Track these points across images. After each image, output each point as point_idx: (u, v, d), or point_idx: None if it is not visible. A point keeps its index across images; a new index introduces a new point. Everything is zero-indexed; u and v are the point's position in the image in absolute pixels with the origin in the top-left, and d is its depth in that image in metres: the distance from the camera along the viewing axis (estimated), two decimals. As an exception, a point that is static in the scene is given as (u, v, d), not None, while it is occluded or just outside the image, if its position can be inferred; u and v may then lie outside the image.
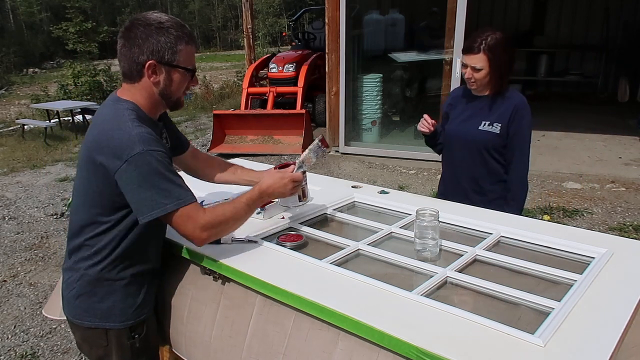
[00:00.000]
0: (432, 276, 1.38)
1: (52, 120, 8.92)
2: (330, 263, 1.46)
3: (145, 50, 1.37)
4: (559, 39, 9.43)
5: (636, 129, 6.82)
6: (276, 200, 1.80)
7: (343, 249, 1.57)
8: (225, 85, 12.54)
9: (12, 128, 9.35)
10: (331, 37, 6.26)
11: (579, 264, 1.46)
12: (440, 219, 1.54)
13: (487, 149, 2.15)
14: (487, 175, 2.19)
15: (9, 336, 2.99)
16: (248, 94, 7.83)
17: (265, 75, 8.41)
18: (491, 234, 1.66)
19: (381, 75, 6.64)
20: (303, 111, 6.90)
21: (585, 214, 4.40)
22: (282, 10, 28.20)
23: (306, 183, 1.79)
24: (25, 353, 2.82)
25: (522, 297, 1.27)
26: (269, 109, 7.34)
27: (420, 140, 2.49)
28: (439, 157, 2.46)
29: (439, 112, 3.29)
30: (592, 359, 1.01)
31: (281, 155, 6.65)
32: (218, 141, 6.91)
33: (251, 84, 7.96)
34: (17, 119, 9.66)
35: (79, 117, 9.06)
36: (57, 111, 8.86)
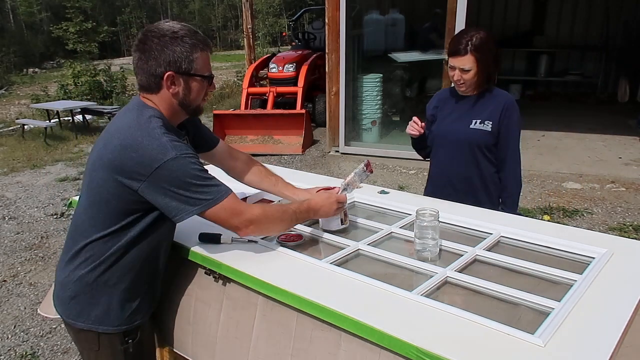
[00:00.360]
0: (432, 276, 1.38)
1: (52, 120, 8.91)
2: (331, 263, 1.46)
3: (162, 62, 1.36)
4: (559, 39, 9.43)
5: (636, 129, 6.82)
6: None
7: (343, 249, 1.57)
8: (225, 85, 12.55)
9: (12, 128, 9.35)
10: (331, 37, 6.25)
11: (579, 264, 1.46)
12: (440, 219, 1.54)
13: (480, 147, 2.16)
14: (478, 175, 2.20)
15: (9, 336, 2.99)
16: (248, 94, 7.84)
17: (265, 75, 8.42)
18: (491, 234, 1.66)
19: (381, 75, 6.64)
20: (303, 111, 6.90)
21: (585, 214, 4.40)
22: (282, 10, 28.20)
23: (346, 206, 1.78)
24: (25, 353, 2.82)
25: (522, 297, 1.27)
26: (269, 109, 7.34)
27: None
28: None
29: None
30: (592, 359, 1.01)
31: (281, 155, 6.65)
32: (218, 141, 6.91)
33: (251, 84, 7.96)
34: (17, 118, 9.65)
35: (79, 117, 9.05)
36: (57, 111, 8.85)
